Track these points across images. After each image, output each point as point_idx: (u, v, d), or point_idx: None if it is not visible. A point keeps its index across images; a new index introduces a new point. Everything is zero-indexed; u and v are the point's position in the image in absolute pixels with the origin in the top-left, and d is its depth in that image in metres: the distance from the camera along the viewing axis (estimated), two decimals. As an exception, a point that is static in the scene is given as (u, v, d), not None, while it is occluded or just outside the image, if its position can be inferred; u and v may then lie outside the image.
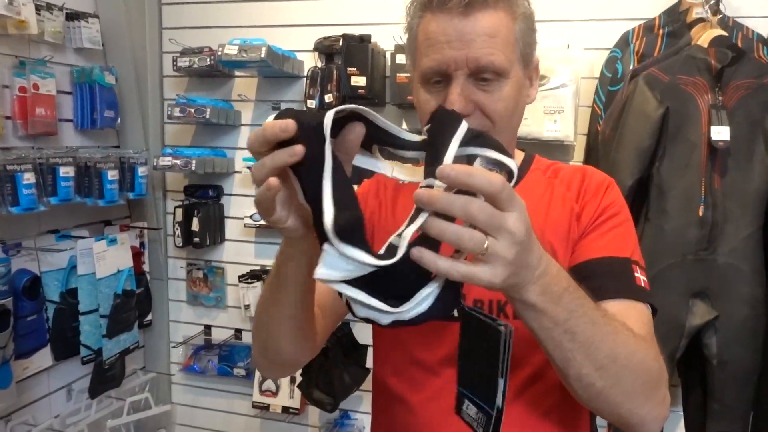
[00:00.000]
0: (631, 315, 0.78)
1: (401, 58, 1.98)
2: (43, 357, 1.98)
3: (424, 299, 0.58)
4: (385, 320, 0.58)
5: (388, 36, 2.05)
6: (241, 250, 2.46)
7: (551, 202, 0.90)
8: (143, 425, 2.21)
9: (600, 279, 0.82)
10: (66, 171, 1.85)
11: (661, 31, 1.74)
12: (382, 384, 0.97)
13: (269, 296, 0.82)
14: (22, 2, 1.70)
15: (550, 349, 0.68)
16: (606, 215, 0.88)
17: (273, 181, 0.60)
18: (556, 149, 1.90)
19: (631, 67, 1.71)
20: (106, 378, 2.10)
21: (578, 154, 1.94)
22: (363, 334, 2.28)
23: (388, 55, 2.09)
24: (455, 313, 0.66)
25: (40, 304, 1.93)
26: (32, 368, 1.94)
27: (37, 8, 1.86)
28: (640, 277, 0.84)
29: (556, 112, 1.78)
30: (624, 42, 1.80)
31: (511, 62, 0.82)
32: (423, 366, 0.89)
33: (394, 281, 0.57)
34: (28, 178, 1.72)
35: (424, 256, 0.55)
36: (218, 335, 2.56)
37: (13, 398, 1.79)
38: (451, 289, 0.60)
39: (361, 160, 0.68)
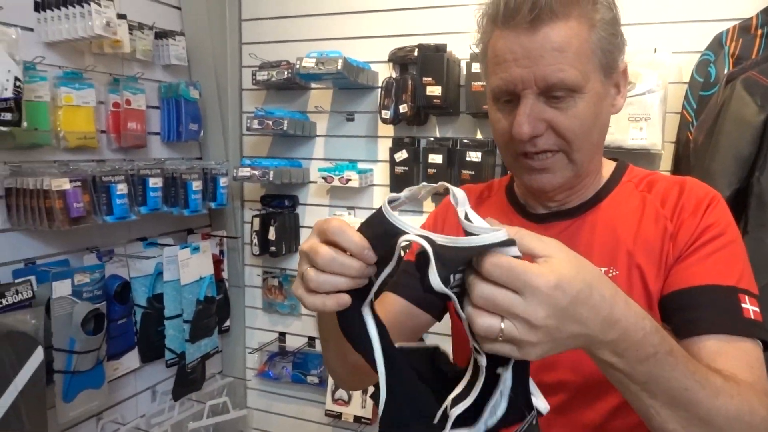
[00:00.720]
0: (732, 354, 0.70)
1: (476, 67, 1.96)
2: (131, 359, 2.08)
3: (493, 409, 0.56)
4: None
5: (463, 45, 2.03)
6: (315, 258, 2.50)
7: (642, 220, 0.83)
8: (221, 429, 2.28)
9: (697, 311, 0.75)
10: (155, 182, 1.94)
11: (759, 32, 1.63)
12: None
13: (321, 337, 0.82)
14: (117, 23, 1.81)
15: (626, 397, 0.62)
16: (707, 236, 0.79)
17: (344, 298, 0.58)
18: (641, 158, 1.82)
19: (725, 71, 1.61)
20: (188, 381, 2.17)
21: (665, 163, 1.85)
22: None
23: (463, 64, 2.07)
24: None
25: (130, 309, 2.02)
26: (121, 369, 2.04)
27: (130, 28, 1.97)
28: (749, 308, 0.74)
29: (642, 119, 1.70)
30: (717, 44, 1.70)
31: (586, 75, 0.77)
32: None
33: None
34: (122, 188, 1.81)
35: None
36: (292, 342, 2.60)
37: (105, 397, 1.88)
38: (519, 390, 0.57)
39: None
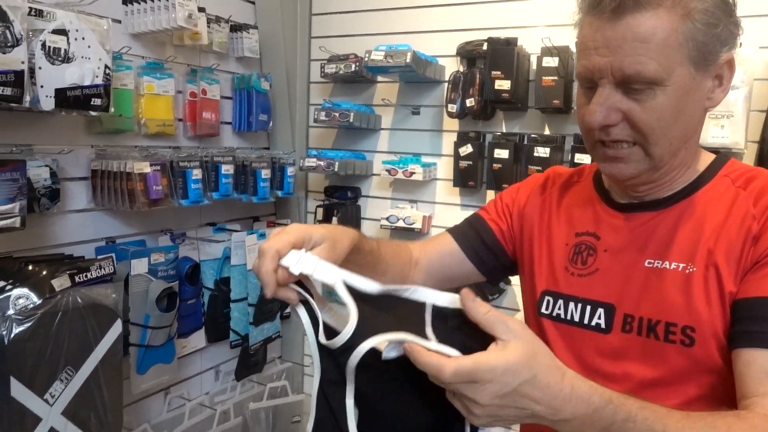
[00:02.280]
0: None
1: (547, 61, 1.93)
2: (198, 338, 2.17)
3: None
4: None
5: (534, 39, 2.00)
6: (375, 250, 2.52)
7: (729, 217, 0.79)
8: (280, 411, 2.34)
9: (758, 323, 0.72)
10: (227, 169, 2.01)
11: None
12: None
13: None
14: (198, 16, 1.89)
15: None
16: None
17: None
18: (720, 157, 1.74)
19: (818, 67, 1.52)
20: (250, 363, 2.25)
21: (747, 164, 1.76)
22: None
23: (533, 59, 2.04)
24: None
25: (199, 290, 2.11)
26: (189, 347, 2.13)
27: (208, 21, 2.05)
28: None
29: (724, 116, 1.63)
30: (809, 39, 1.61)
31: (669, 68, 0.74)
32: (601, 374, 0.84)
33: None
34: (196, 174, 1.89)
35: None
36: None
37: (174, 372, 1.97)
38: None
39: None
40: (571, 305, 0.88)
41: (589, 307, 0.86)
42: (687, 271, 0.78)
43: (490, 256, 1.03)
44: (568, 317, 0.88)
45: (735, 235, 0.78)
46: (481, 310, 0.61)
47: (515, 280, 2.15)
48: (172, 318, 1.88)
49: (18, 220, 1.40)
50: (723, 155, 0.88)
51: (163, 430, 2.00)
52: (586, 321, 0.86)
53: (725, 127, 1.63)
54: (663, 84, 0.74)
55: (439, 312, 0.65)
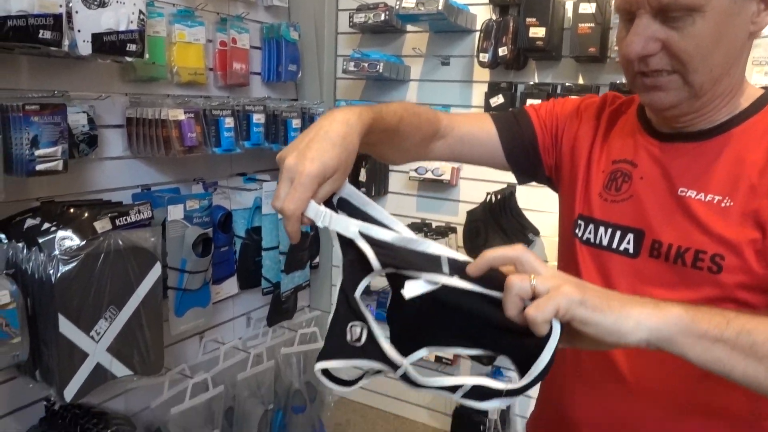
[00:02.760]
0: None
1: (584, 7, 1.88)
2: (231, 285, 2.23)
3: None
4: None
5: (571, -16, 1.95)
6: (403, 202, 2.54)
7: None
8: (310, 356, 2.41)
9: None
10: (258, 118, 2.02)
11: None
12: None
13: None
14: (227, -39, 1.87)
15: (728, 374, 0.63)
16: None
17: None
18: (760, 106, 1.70)
19: None
20: (281, 310, 2.31)
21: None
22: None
23: (569, 6, 1.99)
24: None
25: (231, 238, 2.16)
26: (222, 294, 2.20)
27: (237, -32, 2.03)
28: None
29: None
30: None
31: None
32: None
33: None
34: (229, 122, 1.91)
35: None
36: (377, 282, 2.68)
37: (210, 316, 2.04)
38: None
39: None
40: (602, 230, 0.89)
41: (619, 232, 0.87)
42: (723, 205, 0.78)
43: (524, 157, 1.02)
44: (598, 241, 0.90)
45: None
46: (517, 251, 0.62)
47: (544, 231, 2.17)
48: (208, 263, 1.93)
49: (60, 164, 1.44)
50: None
51: (199, 370, 2.07)
52: (614, 245, 0.87)
53: (769, 74, 1.58)
54: (701, 10, 0.73)
55: (455, 263, 0.65)
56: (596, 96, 1.03)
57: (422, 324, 0.68)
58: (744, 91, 0.83)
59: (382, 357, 0.66)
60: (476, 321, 0.63)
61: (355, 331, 0.68)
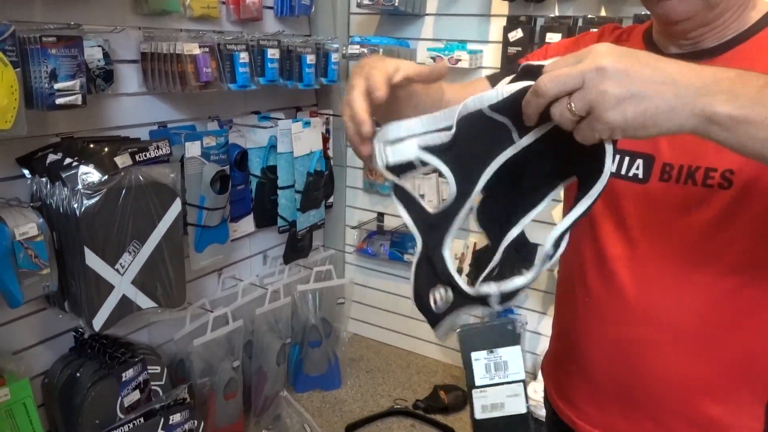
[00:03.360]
0: None
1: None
2: (247, 223, 2.25)
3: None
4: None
5: None
6: (417, 141, 2.52)
7: None
8: (325, 294, 2.46)
9: None
10: (273, 53, 1.99)
11: None
12: (570, 277, 0.98)
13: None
14: None
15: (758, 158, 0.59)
16: None
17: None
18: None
19: None
20: (297, 248, 2.34)
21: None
22: (535, 234, 2.28)
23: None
24: None
25: (247, 176, 2.16)
26: (239, 231, 2.23)
27: None
28: None
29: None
30: None
31: None
32: (638, 223, 0.85)
33: None
34: (243, 57, 1.88)
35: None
36: (391, 222, 2.71)
37: (228, 253, 2.08)
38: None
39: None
40: None
41: (627, 158, 0.85)
42: None
43: None
44: None
45: None
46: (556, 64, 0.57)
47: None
48: (226, 200, 1.95)
49: (80, 98, 1.43)
50: None
51: (219, 305, 2.13)
52: (623, 172, 0.86)
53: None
54: None
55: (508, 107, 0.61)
56: (593, 31, 1.00)
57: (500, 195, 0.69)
58: (756, 5, 0.80)
59: (470, 301, 0.66)
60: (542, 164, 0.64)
61: (439, 295, 0.67)
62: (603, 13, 1.99)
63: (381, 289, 2.82)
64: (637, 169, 0.84)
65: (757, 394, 0.82)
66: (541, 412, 1.15)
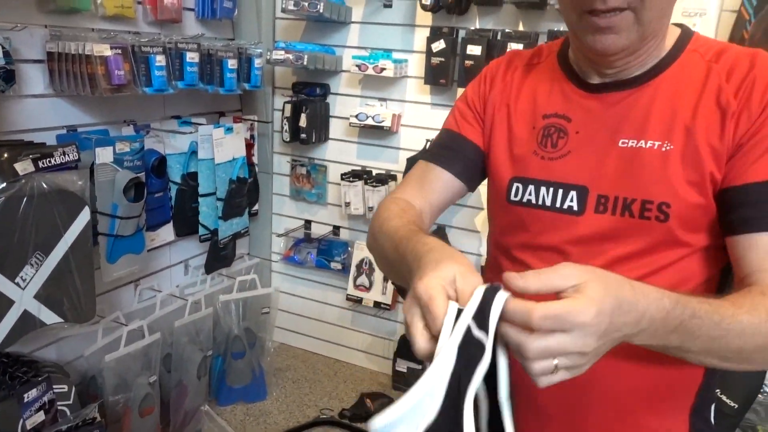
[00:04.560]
0: None
1: (526, -47, 1.87)
2: (167, 232, 2.17)
3: None
4: None
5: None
6: (343, 149, 2.52)
7: (704, 93, 0.78)
8: (249, 303, 2.41)
9: (754, 208, 0.74)
10: (192, 57, 1.93)
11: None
12: (497, 263, 0.99)
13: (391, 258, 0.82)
14: None
15: (665, 352, 0.68)
16: None
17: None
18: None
19: (793, -34, 1.52)
20: (220, 257, 2.28)
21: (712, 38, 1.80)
22: (458, 240, 2.32)
23: (511, -50, 1.97)
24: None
25: (166, 183, 2.08)
26: (158, 240, 2.14)
27: None
28: None
29: (697, 14, 1.64)
30: (787, -63, 1.60)
31: None
32: (575, 255, 0.86)
33: None
34: (160, 60, 1.81)
35: None
36: (317, 230, 2.68)
37: (144, 263, 1.99)
38: None
39: None
40: (543, 190, 0.87)
41: (561, 191, 0.85)
42: (664, 149, 0.79)
43: (477, 170, 1.00)
44: (540, 202, 0.87)
45: (712, 113, 0.77)
46: (530, 282, 0.56)
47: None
48: (141, 208, 1.87)
49: (-27, 99, 1.33)
50: (686, 28, 0.86)
51: (135, 318, 2.03)
52: (558, 204, 0.85)
53: (697, 25, 1.64)
54: None
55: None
56: (500, 58, 1.00)
57: None
58: (667, 34, 0.83)
59: None
60: None
61: None
62: (521, 27, 2.06)
63: (308, 297, 2.79)
64: (572, 201, 0.84)
65: (682, 403, 0.87)
66: None
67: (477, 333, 0.55)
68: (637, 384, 0.85)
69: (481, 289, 0.55)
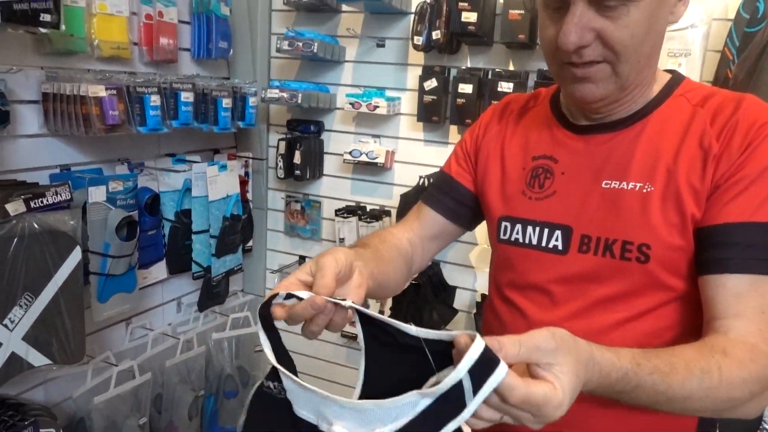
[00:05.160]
0: (749, 297, 0.72)
1: (515, -5, 1.91)
2: (159, 270, 2.16)
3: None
4: None
5: (503, -29, 1.98)
6: (338, 185, 2.53)
7: (687, 136, 0.79)
8: (243, 341, 2.38)
9: (726, 249, 0.74)
10: (186, 96, 1.95)
11: (813, -33, 1.58)
12: (491, 300, 0.99)
13: None
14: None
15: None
16: (758, 167, 0.74)
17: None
18: (675, 96, 1.80)
19: (774, 7, 1.56)
20: (212, 294, 2.26)
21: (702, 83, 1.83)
22: (453, 276, 2.31)
23: (500, -8, 2.02)
24: None
25: (159, 221, 2.08)
26: (150, 278, 2.12)
27: (163, -63, 1.93)
28: None
29: (682, 55, 1.67)
30: (767, -21, 1.65)
31: None
32: (559, 294, 0.87)
33: None
34: (155, 100, 1.83)
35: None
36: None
37: (136, 302, 1.97)
38: None
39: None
40: (529, 229, 0.89)
41: (546, 230, 0.87)
42: (645, 191, 0.80)
43: (467, 210, 1.04)
44: (527, 241, 0.89)
45: (694, 155, 0.78)
46: (509, 352, 0.56)
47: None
48: (133, 247, 1.86)
49: (-33, 141, 1.34)
50: (678, 75, 0.88)
51: (126, 357, 2.00)
52: (543, 243, 0.87)
53: (682, 65, 1.67)
54: None
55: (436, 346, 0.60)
56: (498, 103, 1.04)
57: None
58: (656, 79, 0.86)
59: None
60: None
61: None
62: (511, 66, 2.09)
63: (302, 333, 2.76)
64: (557, 240, 0.86)
65: None
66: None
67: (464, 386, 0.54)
68: (626, 426, 0.84)
69: (480, 345, 0.53)
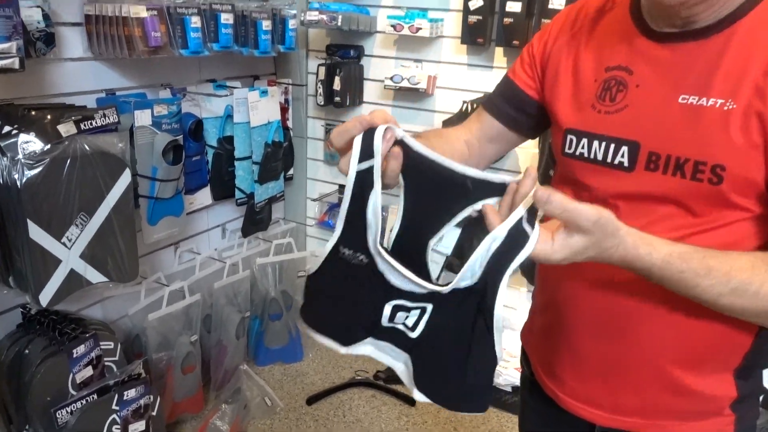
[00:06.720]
0: None
1: None
2: (204, 196, 2.20)
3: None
4: None
5: None
6: (378, 112, 2.49)
7: None
8: (286, 266, 2.44)
9: None
10: (226, 18, 1.91)
11: None
12: None
13: None
14: None
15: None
16: None
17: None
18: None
19: None
20: (256, 220, 2.30)
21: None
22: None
23: None
24: None
25: (203, 147, 2.10)
26: (196, 204, 2.17)
27: None
28: None
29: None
30: None
31: None
32: (622, 212, 0.83)
33: None
34: (195, 21, 1.80)
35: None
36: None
37: (183, 225, 2.02)
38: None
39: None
40: (596, 143, 0.85)
41: (613, 145, 0.82)
42: (725, 108, 0.73)
43: (529, 120, 1.00)
44: (592, 156, 0.85)
45: None
46: (554, 207, 0.65)
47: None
48: (179, 171, 1.89)
49: (17, 61, 1.34)
50: None
51: (176, 279, 2.08)
52: (609, 159, 0.83)
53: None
54: None
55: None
56: (571, 6, 0.96)
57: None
58: None
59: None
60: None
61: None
62: None
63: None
64: (622, 156, 0.81)
65: (725, 363, 0.85)
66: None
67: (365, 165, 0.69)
68: (681, 341, 0.83)
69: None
